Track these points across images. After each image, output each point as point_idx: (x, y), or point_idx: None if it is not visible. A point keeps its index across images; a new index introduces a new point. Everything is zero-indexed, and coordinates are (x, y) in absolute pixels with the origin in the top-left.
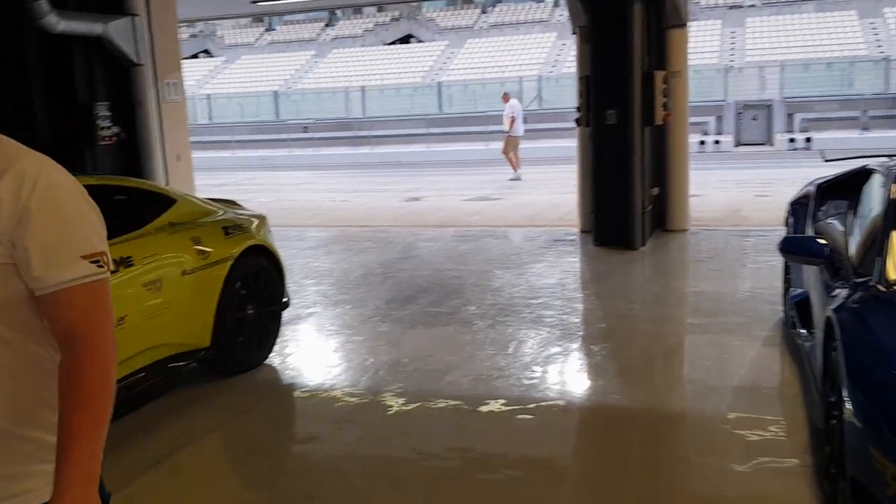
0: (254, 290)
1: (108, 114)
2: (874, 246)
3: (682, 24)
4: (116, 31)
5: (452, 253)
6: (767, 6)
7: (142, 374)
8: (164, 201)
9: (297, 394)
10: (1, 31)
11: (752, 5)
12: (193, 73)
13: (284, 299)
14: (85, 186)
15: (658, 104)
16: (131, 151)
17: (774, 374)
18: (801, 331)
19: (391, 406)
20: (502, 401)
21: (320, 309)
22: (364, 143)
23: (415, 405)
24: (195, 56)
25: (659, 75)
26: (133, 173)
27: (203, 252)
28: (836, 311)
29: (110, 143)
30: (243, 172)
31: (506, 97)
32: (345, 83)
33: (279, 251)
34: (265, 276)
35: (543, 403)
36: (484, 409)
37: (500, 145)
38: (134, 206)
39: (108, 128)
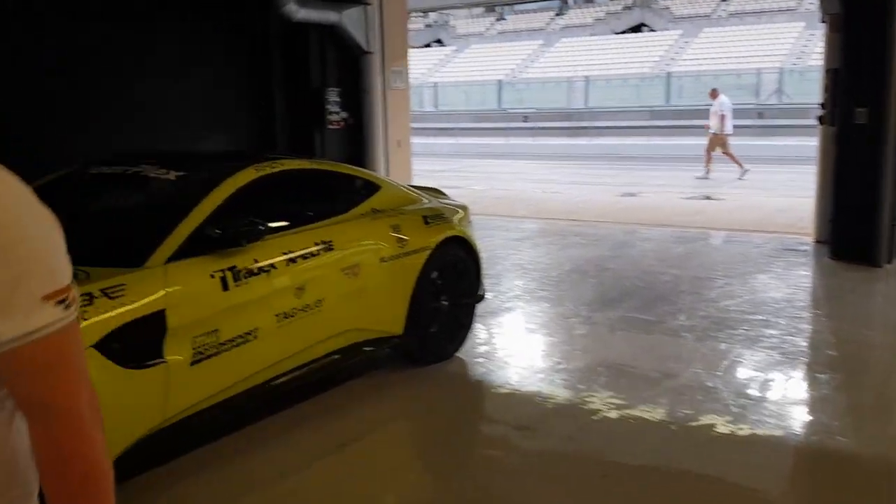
0: (449, 281)
1: (337, 100)
2: None
3: None
4: (350, 19)
5: (666, 255)
6: None
7: (336, 357)
8: (369, 187)
9: (483, 391)
10: (248, 18)
11: None
12: (424, 61)
13: (480, 292)
14: (296, 170)
15: None
16: (356, 136)
17: None
18: None
19: (580, 417)
20: (707, 426)
21: (518, 304)
22: (583, 134)
23: (606, 420)
24: (427, 45)
25: None
26: (356, 157)
27: (402, 240)
28: None
29: (338, 127)
30: (463, 160)
31: (714, 93)
32: (570, 73)
33: (482, 242)
34: (462, 268)
35: (755, 434)
36: (684, 433)
37: (729, 140)
38: (340, 191)
39: (337, 113)
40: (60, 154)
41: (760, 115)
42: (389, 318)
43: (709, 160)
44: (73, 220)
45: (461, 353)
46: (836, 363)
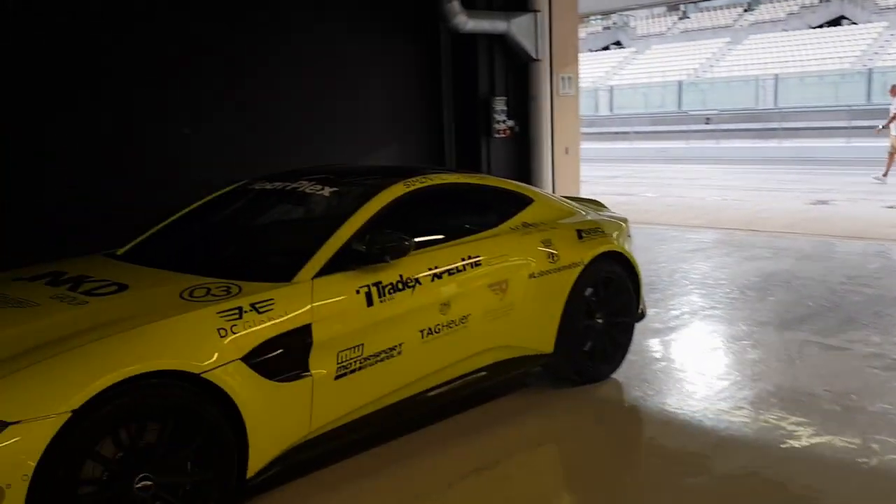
0: (604, 298)
1: (504, 108)
2: None
3: None
4: (519, 27)
5: (859, 271)
6: None
7: (482, 374)
8: (521, 201)
9: (639, 418)
10: (419, 30)
11: None
12: (602, 64)
13: (639, 311)
14: (445, 185)
15: None
16: (522, 144)
17: None
18: None
19: (746, 454)
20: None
21: (686, 323)
22: (772, 136)
23: (776, 457)
24: (606, 48)
25: None
26: (521, 165)
27: (553, 255)
28: None
29: (504, 135)
30: (638, 164)
31: (894, 90)
32: (759, 71)
33: (651, 253)
34: (617, 285)
35: None
36: (864, 478)
37: None
38: (490, 205)
39: (504, 121)
40: (246, 166)
41: None
42: (538, 335)
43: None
44: (232, 235)
45: (617, 375)
46: None
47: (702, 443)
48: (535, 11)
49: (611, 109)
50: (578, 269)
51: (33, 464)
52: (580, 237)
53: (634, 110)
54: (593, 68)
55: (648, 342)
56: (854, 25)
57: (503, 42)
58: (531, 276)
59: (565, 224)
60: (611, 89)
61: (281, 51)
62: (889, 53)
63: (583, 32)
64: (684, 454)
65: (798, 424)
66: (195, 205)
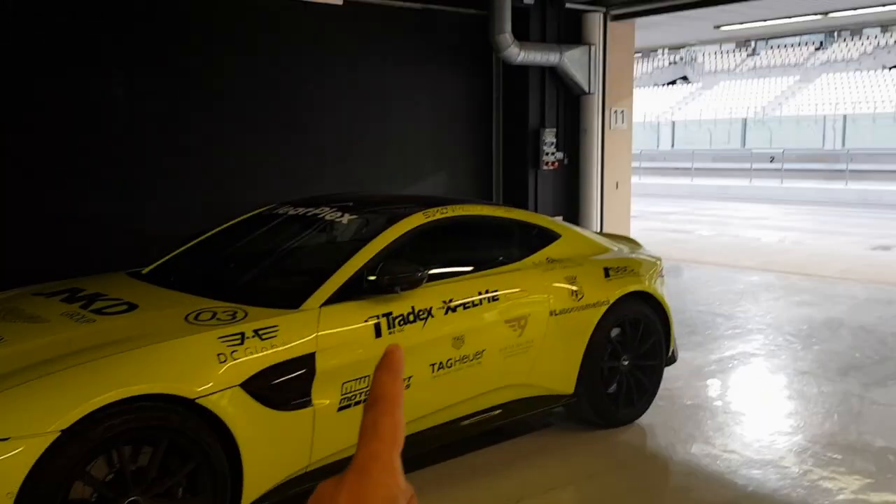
0: (631, 339)
1: (553, 140)
2: None
3: None
4: (571, 60)
5: None
6: None
7: (496, 412)
8: (546, 236)
9: (662, 467)
10: (471, 61)
11: None
12: (667, 99)
13: (669, 354)
14: (467, 217)
15: None
16: (570, 177)
17: None
18: None
19: None
20: None
21: (724, 368)
22: (839, 178)
23: None
24: (673, 82)
25: None
26: (568, 198)
27: (576, 293)
28: None
29: (552, 168)
30: (697, 201)
31: None
32: (829, 110)
33: (698, 294)
34: (646, 326)
35: None
36: None
37: None
38: (513, 239)
39: (552, 153)
40: (301, 191)
41: None
42: (558, 375)
43: None
44: (249, 260)
45: (643, 420)
46: None
47: (726, 497)
48: (589, 45)
49: (672, 144)
50: (603, 309)
51: (19, 481)
52: (607, 275)
53: (696, 146)
54: (658, 102)
55: (680, 387)
56: None
57: (555, 74)
58: (552, 313)
59: (593, 261)
60: (672, 124)
61: (326, 78)
62: None
63: (649, 66)
64: None
65: (832, 482)
66: (220, 227)
